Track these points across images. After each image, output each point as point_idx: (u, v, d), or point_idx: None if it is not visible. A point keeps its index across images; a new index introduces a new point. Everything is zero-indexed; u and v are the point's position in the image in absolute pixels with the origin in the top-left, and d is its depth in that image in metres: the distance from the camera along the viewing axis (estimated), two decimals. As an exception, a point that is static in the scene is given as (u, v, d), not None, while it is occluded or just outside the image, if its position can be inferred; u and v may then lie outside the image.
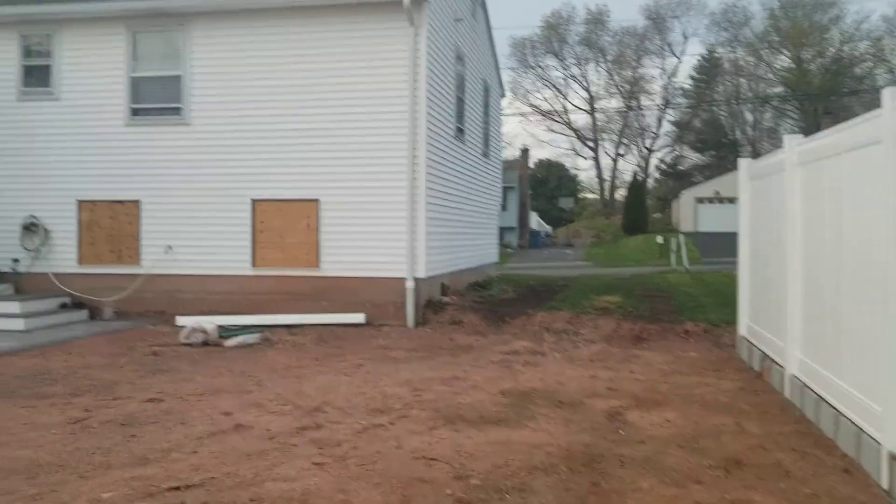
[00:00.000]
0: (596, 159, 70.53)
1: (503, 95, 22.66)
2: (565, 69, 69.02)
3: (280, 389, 7.44)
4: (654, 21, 66.07)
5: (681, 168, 70.10)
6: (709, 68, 66.24)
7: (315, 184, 12.48)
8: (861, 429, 5.02)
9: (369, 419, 6.25)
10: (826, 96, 57.03)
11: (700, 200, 50.61)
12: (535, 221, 52.81)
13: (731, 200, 45.53)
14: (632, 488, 4.64)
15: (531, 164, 57.49)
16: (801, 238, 6.61)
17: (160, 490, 4.58)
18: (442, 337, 11.05)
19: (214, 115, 12.77)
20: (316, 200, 12.49)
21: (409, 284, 12.06)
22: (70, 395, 7.21)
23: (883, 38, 57.69)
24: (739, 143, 65.68)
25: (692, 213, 50.59)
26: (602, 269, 27.65)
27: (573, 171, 71.40)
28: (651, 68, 69.77)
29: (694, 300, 14.15)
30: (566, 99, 70.18)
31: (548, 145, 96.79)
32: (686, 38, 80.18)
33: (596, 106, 68.44)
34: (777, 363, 7.37)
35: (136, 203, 13.08)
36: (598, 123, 69.01)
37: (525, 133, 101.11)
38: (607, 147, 70.75)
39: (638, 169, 67.26)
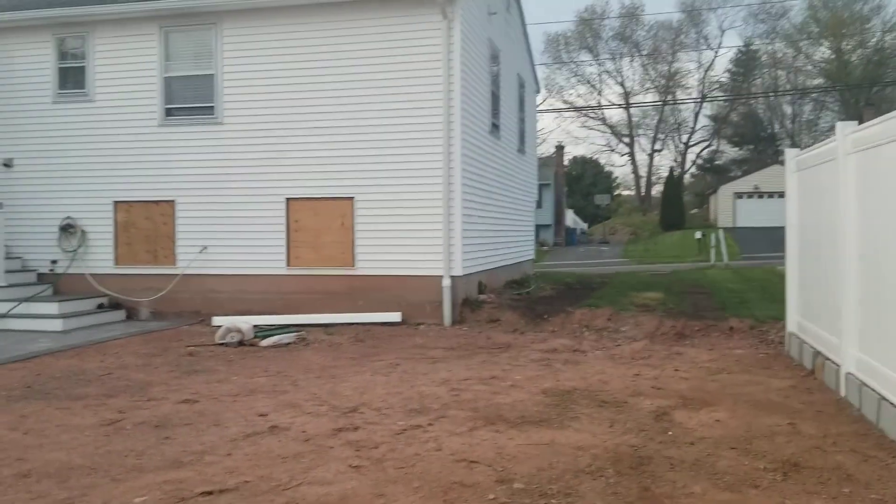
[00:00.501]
0: (632, 155, 69.72)
1: (538, 91, 22.36)
2: (600, 65, 68.50)
3: (316, 390, 7.32)
4: (690, 14, 65.19)
5: (718, 163, 68.94)
6: (746, 61, 64.98)
7: (349, 182, 12.36)
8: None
9: (407, 420, 6.08)
10: (868, 87, 55.74)
11: (739, 195, 49.68)
12: (570, 219, 52.27)
13: (772, 195, 44.74)
14: (684, 493, 4.41)
15: (566, 162, 56.97)
16: (857, 228, 6.29)
17: (193, 495, 4.45)
18: (479, 335, 10.86)
19: (247, 114, 12.71)
20: (350, 199, 12.37)
21: (446, 282, 11.89)
22: (104, 397, 7.15)
23: (927, 27, 56.28)
24: (778, 136, 64.50)
25: (731, 208, 49.70)
26: (640, 265, 27.23)
27: (608, 168, 70.68)
28: (687, 62, 68.95)
29: (737, 296, 13.81)
30: (601, 95, 69.64)
31: (583, 142, 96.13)
32: (723, 30, 79.81)
33: (631, 101, 67.75)
34: (831, 360, 7.05)
35: (171, 203, 13.09)
36: (634, 119, 68.35)
37: (560, 130, 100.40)
38: (643, 143, 70.01)
39: (674, 164, 66.47)
